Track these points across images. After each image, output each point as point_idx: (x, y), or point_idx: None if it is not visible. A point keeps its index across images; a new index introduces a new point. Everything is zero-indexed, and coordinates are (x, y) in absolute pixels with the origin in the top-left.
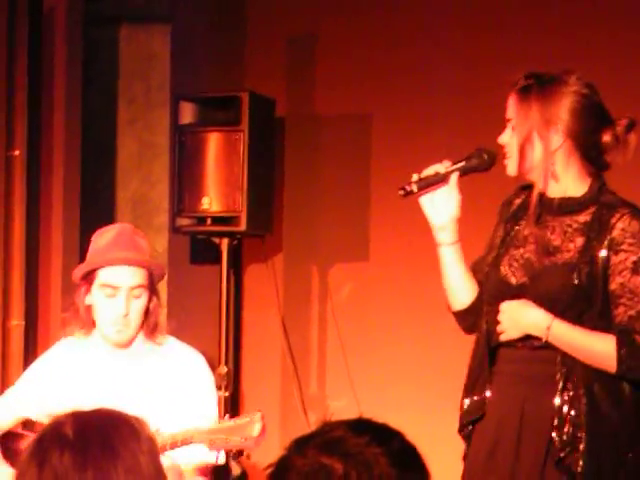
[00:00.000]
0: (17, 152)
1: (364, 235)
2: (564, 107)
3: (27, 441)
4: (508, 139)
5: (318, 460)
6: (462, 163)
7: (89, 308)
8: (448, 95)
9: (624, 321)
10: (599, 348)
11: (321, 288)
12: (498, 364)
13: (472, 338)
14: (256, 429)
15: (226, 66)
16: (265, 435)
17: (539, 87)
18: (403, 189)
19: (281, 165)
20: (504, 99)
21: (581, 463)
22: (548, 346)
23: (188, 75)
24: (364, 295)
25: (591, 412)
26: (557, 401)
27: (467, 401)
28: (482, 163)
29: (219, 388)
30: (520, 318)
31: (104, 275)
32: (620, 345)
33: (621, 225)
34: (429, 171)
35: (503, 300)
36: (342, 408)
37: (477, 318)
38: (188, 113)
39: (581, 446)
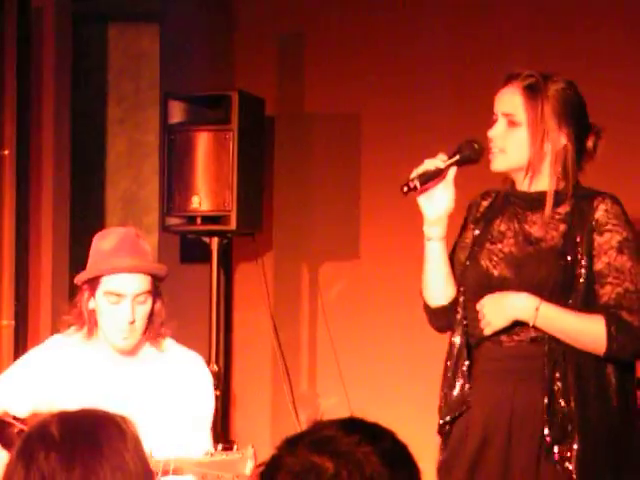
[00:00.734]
0: (6, 152)
1: (354, 233)
2: (572, 111)
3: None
4: (502, 132)
5: (309, 459)
6: (457, 156)
7: (92, 312)
8: (436, 94)
9: (612, 299)
10: (588, 327)
11: (311, 286)
12: (480, 362)
13: None
14: (248, 467)
15: (216, 65)
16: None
17: (546, 86)
18: (406, 186)
19: (271, 164)
20: (491, 98)
21: (575, 455)
22: (534, 340)
23: (178, 74)
24: (354, 293)
25: (582, 404)
26: (547, 395)
27: (446, 398)
28: (474, 153)
29: None
30: (505, 305)
31: (108, 282)
32: (609, 323)
33: (603, 207)
34: (428, 166)
35: (484, 294)
36: (333, 406)
37: (452, 318)
38: (178, 112)
39: (574, 440)
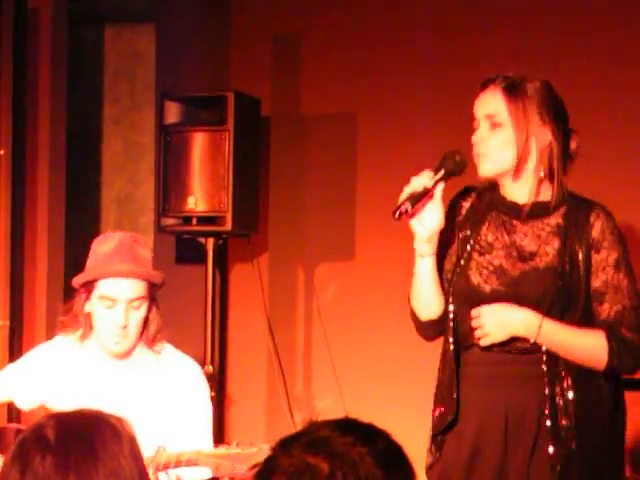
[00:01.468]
0: (2, 152)
1: (349, 235)
2: (553, 109)
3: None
4: (485, 136)
5: (304, 460)
6: (442, 171)
7: (88, 315)
8: (432, 94)
9: (611, 316)
10: (589, 343)
11: (307, 288)
12: (470, 366)
13: None
14: None
15: (211, 66)
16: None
17: (524, 85)
18: (398, 210)
19: (266, 165)
20: None
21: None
22: (531, 350)
23: (173, 75)
24: (350, 295)
25: (579, 406)
26: (545, 398)
27: (441, 410)
28: (457, 166)
29: None
30: (508, 320)
31: (103, 286)
32: (610, 339)
33: (599, 224)
34: (415, 186)
35: (475, 306)
36: (328, 408)
37: (442, 327)
38: (173, 113)
39: (572, 442)
